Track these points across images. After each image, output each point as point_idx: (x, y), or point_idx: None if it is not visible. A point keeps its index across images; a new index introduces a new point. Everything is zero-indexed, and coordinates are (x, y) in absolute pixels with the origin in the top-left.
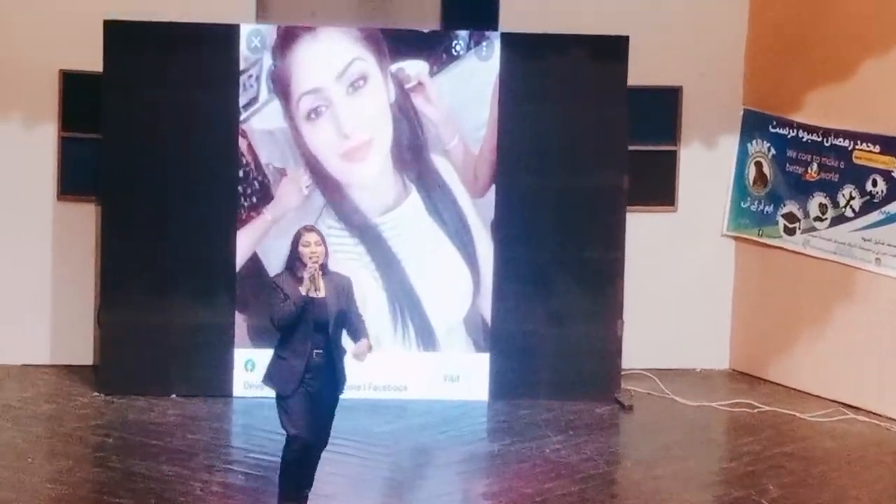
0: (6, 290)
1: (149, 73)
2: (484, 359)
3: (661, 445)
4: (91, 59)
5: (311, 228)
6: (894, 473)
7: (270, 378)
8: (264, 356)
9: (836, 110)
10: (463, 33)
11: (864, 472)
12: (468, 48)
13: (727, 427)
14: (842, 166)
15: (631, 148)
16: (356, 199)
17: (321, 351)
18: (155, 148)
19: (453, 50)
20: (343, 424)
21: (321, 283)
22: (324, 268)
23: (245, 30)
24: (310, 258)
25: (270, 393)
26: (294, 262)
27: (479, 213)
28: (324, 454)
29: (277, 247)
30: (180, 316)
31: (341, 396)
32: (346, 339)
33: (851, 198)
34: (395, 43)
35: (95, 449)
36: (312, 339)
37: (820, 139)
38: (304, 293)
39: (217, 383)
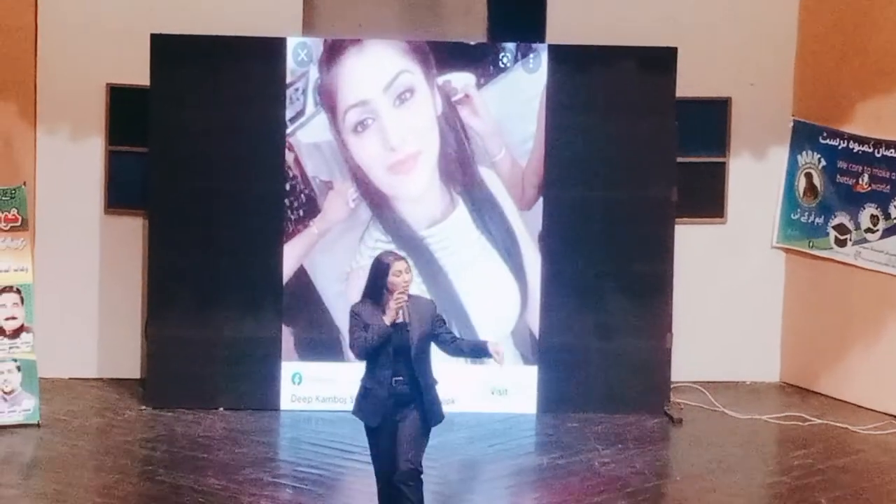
0: (54, 303)
1: (195, 87)
2: (532, 372)
3: (712, 459)
4: (138, 73)
5: (399, 257)
6: None
7: (360, 409)
8: (311, 369)
9: (888, 121)
10: (510, 45)
11: None
12: (515, 60)
13: (778, 440)
14: (893, 177)
15: (680, 160)
16: (403, 211)
17: (401, 378)
18: (202, 161)
19: (500, 62)
20: None
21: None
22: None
23: (291, 43)
24: (400, 287)
25: (317, 406)
26: (378, 290)
27: (526, 226)
28: (361, 466)
29: (324, 260)
30: (227, 329)
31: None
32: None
33: None
34: (442, 55)
35: (143, 462)
36: (393, 366)
37: (871, 150)
38: (388, 322)
39: (264, 396)
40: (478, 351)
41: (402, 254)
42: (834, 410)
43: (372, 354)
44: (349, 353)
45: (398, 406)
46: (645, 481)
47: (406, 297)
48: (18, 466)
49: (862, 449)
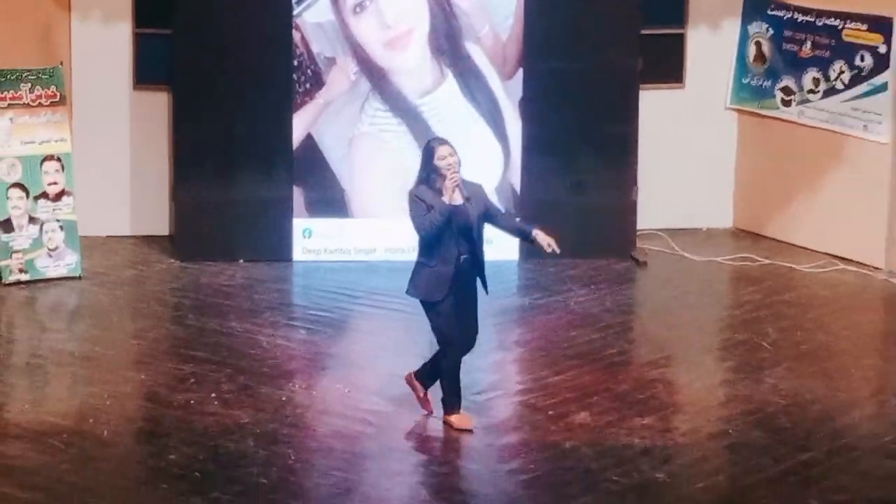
0: (91, 171)
1: None
2: None
3: (673, 297)
4: None
5: (442, 141)
6: (880, 316)
7: (416, 287)
8: (319, 224)
9: None
10: None
11: (853, 316)
12: None
13: (731, 279)
14: (833, 44)
15: (643, 32)
16: (398, 83)
17: (468, 256)
18: (220, 42)
19: None
20: (389, 284)
21: (452, 192)
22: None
23: None
24: (448, 169)
25: (326, 257)
26: (430, 174)
27: (508, 94)
28: (376, 311)
29: (329, 128)
30: (245, 190)
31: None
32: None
33: (841, 72)
34: None
35: (173, 308)
36: (459, 245)
37: (813, 19)
38: (447, 202)
39: (279, 249)
40: (524, 234)
41: (446, 139)
42: (780, 252)
43: (437, 234)
44: (353, 210)
45: (461, 281)
46: (614, 317)
47: (459, 176)
48: (64, 314)
49: (805, 285)
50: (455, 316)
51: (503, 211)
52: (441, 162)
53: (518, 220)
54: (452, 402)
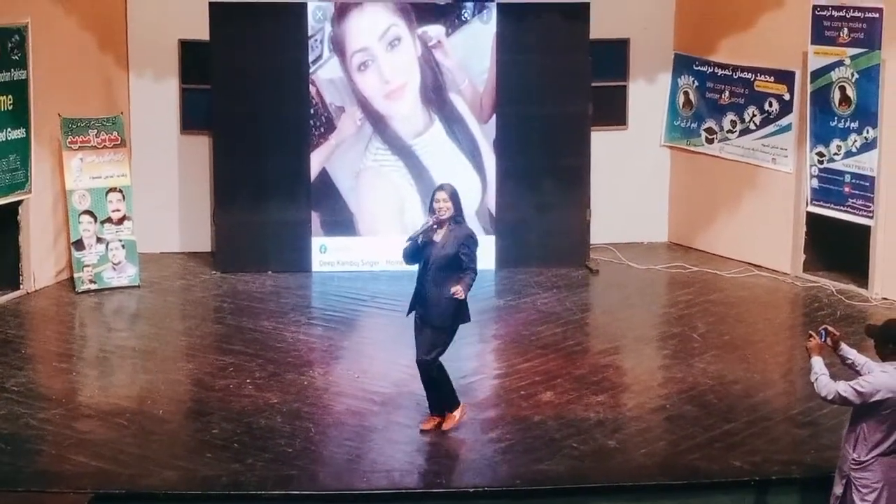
0: (147, 200)
1: (243, 40)
2: (491, 240)
3: (620, 298)
4: (201, 30)
5: (442, 187)
6: (787, 312)
7: None
8: (333, 242)
9: (742, 52)
10: (469, 4)
11: (766, 312)
12: (473, 14)
13: (667, 283)
14: (747, 92)
15: (593, 84)
16: (395, 127)
17: (428, 284)
18: (250, 94)
19: (462, 16)
20: (390, 289)
21: (441, 232)
22: (453, 220)
23: (311, 6)
24: (438, 211)
25: (338, 268)
26: (432, 212)
27: (485, 135)
28: (379, 311)
29: (340, 163)
30: (272, 214)
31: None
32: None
33: (754, 115)
34: (420, 12)
35: (214, 311)
36: (423, 273)
37: (730, 73)
38: (421, 235)
39: (300, 262)
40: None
41: (450, 184)
42: (707, 261)
43: (409, 259)
44: (360, 230)
45: (421, 306)
46: (573, 314)
47: (432, 221)
48: (126, 316)
49: (727, 287)
50: (415, 335)
51: (463, 268)
52: (436, 204)
53: (465, 276)
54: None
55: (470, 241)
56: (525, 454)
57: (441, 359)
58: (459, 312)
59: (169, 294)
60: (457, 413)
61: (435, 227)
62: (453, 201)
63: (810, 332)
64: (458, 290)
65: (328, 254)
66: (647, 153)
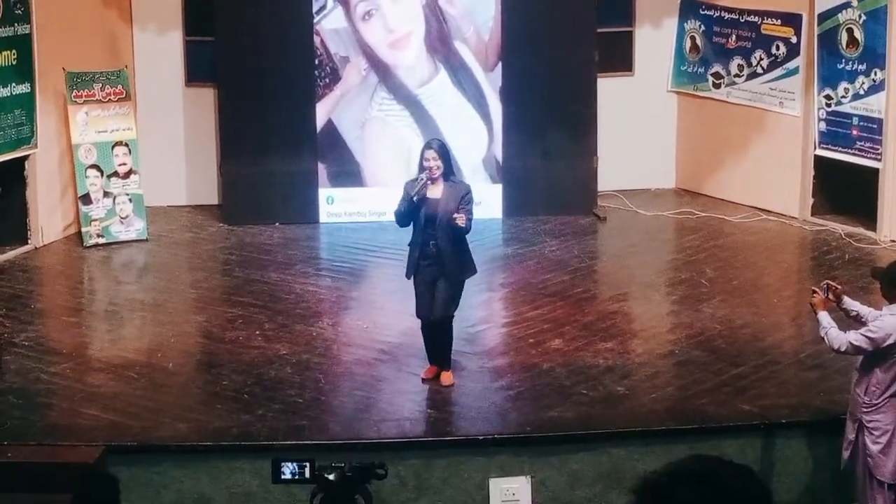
0: (153, 153)
1: None
2: (498, 188)
3: (628, 245)
4: None
5: (430, 145)
6: (795, 256)
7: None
8: (340, 193)
9: None
10: None
11: (775, 256)
12: None
13: (675, 229)
14: (753, 36)
15: (599, 30)
16: (401, 77)
17: (435, 242)
18: (255, 46)
19: None
20: (397, 239)
21: (437, 187)
22: (446, 176)
23: None
24: (429, 170)
25: (346, 219)
26: (421, 170)
27: (490, 83)
28: (387, 262)
29: (345, 114)
30: (279, 166)
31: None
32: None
33: (761, 59)
34: None
35: (223, 263)
36: (425, 232)
37: (737, 17)
38: (411, 195)
39: (307, 213)
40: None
41: (438, 140)
42: (715, 206)
43: (403, 220)
44: (367, 180)
45: (428, 264)
46: (581, 262)
47: (424, 178)
48: (135, 270)
49: (734, 232)
50: (420, 296)
51: (466, 211)
52: (426, 163)
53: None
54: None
55: (468, 195)
56: (534, 401)
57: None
58: (470, 264)
59: (177, 247)
60: (451, 374)
61: (429, 183)
62: (443, 158)
63: (813, 288)
64: (460, 217)
65: (335, 205)
66: (654, 99)
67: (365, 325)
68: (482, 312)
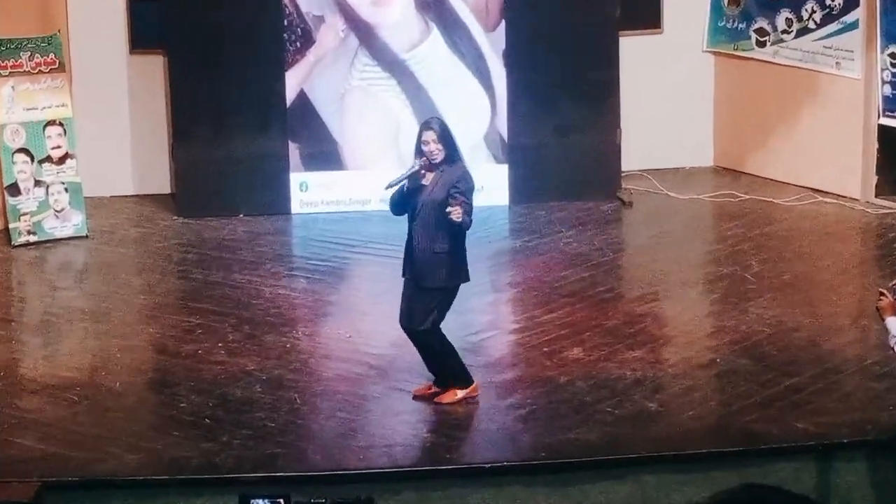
0: (93, 134)
1: None
2: (503, 170)
3: (658, 234)
4: None
5: (429, 126)
6: (858, 245)
7: None
8: (315, 178)
9: None
10: None
11: (833, 245)
12: None
13: (714, 215)
14: None
15: None
16: (385, 38)
17: (418, 239)
18: (211, 4)
19: None
20: (384, 232)
21: (432, 175)
22: (446, 161)
23: None
24: (428, 154)
25: (322, 208)
26: (418, 153)
27: (492, 45)
28: (373, 258)
29: (321, 83)
30: (242, 147)
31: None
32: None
33: (813, 11)
34: None
35: (178, 264)
36: (410, 226)
37: None
38: (396, 179)
39: (277, 203)
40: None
41: (438, 120)
42: (760, 187)
43: (396, 208)
44: (347, 162)
45: (412, 264)
46: (602, 256)
47: (418, 165)
48: (73, 272)
49: (784, 218)
50: (402, 298)
51: (461, 201)
52: (424, 147)
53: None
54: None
55: (462, 182)
56: (550, 422)
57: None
58: (456, 269)
59: (123, 245)
60: (461, 392)
61: (423, 171)
62: (444, 141)
63: (880, 290)
64: (455, 211)
65: (310, 192)
66: (687, 61)
67: (348, 334)
68: (486, 317)
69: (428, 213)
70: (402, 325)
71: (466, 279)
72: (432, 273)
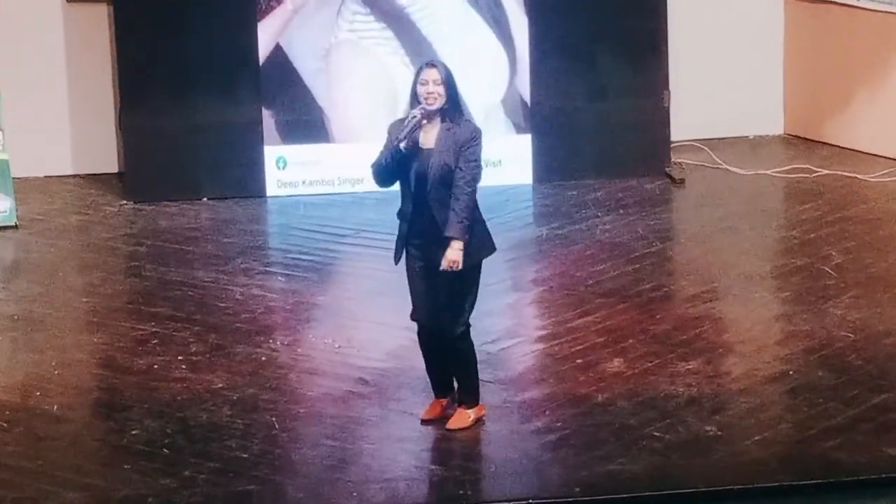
0: (21, 101)
1: None
2: (525, 141)
3: (717, 218)
4: None
5: (433, 64)
6: None
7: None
8: (295, 152)
9: None
10: None
11: None
12: None
13: (785, 194)
14: None
15: None
16: None
17: (427, 209)
18: None
19: None
20: (380, 218)
21: (432, 132)
22: (445, 113)
23: None
24: (425, 98)
25: (304, 190)
26: (413, 103)
27: None
28: (366, 251)
29: (301, 37)
30: (205, 115)
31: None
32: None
33: None
34: None
35: (128, 259)
36: (415, 198)
37: None
38: (396, 140)
39: (249, 183)
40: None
41: (440, 62)
42: (841, 160)
43: (384, 177)
44: (334, 134)
45: (420, 244)
46: (648, 246)
47: (417, 113)
48: (0, 270)
49: (871, 197)
50: (412, 288)
51: (461, 179)
52: (422, 87)
53: (454, 209)
54: (435, 389)
55: (475, 145)
56: (585, 450)
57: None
58: (480, 238)
59: (61, 236)
60: (472, 413)
61: (423, 121)
62: (447, 85)
63: None
64: (451, 252)
65: (289, 170)
66: (752, 5)
67: (336, 343)
68: (507, 322)
69: (441, 178)
70: (438, 327)
71: (493, 248)
72: (468, 246)
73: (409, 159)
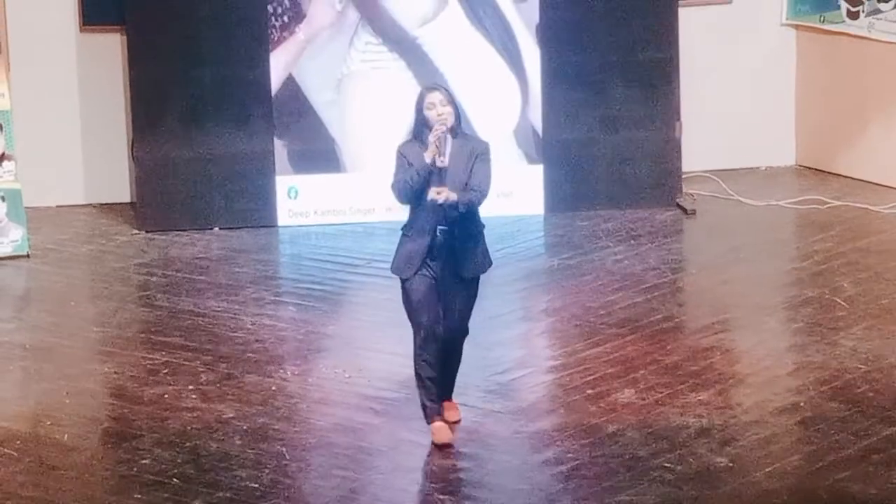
0: (34, 130)
1: None
2: (537, 171)
3: (728, 249)
4: None
5: (434, 87)
6: None
7: (393, 260)
8: (307, 182)
9: None
10: None
11: None
12: None
13: (796, 225)
14: None
15: None
16: (392, 11)
17: (446, 228)
18: None
19: None
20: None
21: (447, 149)
22: (454, 131)
23: None
24: (437, 120)
25: (316, 220)
26: (420, 127)
27: (522, 18)
28: (378, 281)
29: (313, 67)
30: (217, 145)
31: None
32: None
33: None
34: None
35: (139, 288)
36: (437, 214)
37: None
38: (428, 160)
39: (260, 213)
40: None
41: (445, 85)
42: (853, 191)
43: (413, 199)
44: (346, 163)
45: (435, 258)
46: (660, 276)
47: (443, 131)
48: (11, 299)
49: (884, 229)
50: (426, 300)
51: (475, 178)
52: (430, 112)
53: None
54: (425, 399)
55: (486, 157)
56: (596, 481)
57: (466, 345)
58: (486, 250)
59: (72, 266)
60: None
61: (448, 136)
62: (453, 105)
63: None
64: (444, 191)
65: (301, 200)
66: (763, 37)
67: (347, 373)
68: (518, 352)
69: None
70: (452, 331)
71: (491, 263)
72: (474, 259)
73: (432, 179)
